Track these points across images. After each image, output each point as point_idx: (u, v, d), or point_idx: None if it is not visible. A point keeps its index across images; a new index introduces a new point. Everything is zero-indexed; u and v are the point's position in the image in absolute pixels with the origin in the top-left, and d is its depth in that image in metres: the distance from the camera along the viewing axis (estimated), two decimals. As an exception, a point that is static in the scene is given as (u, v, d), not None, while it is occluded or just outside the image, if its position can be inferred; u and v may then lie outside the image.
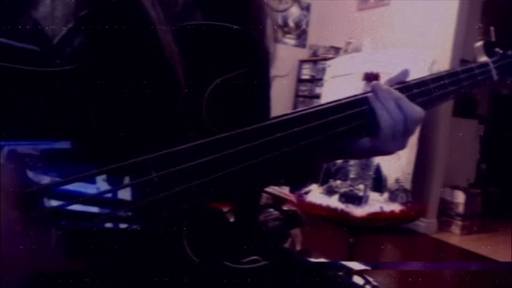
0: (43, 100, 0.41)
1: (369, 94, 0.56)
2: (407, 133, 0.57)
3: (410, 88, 0.60)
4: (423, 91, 0.62)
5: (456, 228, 3.35)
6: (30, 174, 0.38)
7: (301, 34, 4.53)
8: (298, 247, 2.08)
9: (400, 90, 0.58)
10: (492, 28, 0.81)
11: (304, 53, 4.53)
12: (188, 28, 0.47)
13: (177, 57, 0.43)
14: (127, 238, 0.41)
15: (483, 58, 0.76)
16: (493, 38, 0.80)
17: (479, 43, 0.77)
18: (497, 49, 0.77)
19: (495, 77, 0.73)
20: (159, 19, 0.44)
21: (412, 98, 0.59)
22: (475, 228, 3.42)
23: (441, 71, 0.66)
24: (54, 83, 0.41)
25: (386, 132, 0.55)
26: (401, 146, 0.57)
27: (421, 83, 0.62)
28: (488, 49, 0.77)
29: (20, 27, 0.45)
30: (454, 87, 0.66)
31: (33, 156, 0.39)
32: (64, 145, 0.40)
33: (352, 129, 0.54)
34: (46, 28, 0.46)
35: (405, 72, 0.61)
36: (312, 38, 4.55)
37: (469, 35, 3.03)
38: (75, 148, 0.41)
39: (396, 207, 1.96)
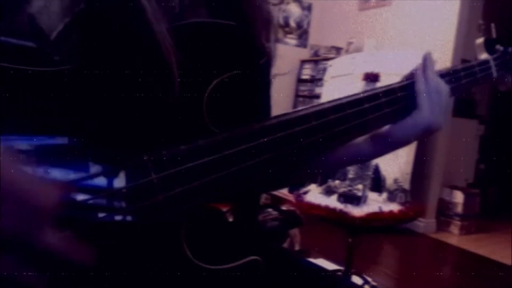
0: (41, 98, 0.41)
1: (417, 67, 0.61)
2: (442, 105, 0.61)
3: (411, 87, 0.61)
4: None
5: (454, 228, 3.35)
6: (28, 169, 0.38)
7: (302, 34, 4.53)
8: (297, 247, 2.09)
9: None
10: (493, 25, 0.80)
11: (305, 53, 4.52)
12: (185, 26, 0.47)
13: (172, 51, 0.43)
14: (126, 238, 0.41)
15: (484, 55, 0.75)
16: (494, 35, 0.79)
17: (480, 40, 0.76)
18: (497, 46, 0.76)
19: (495, 74, 0.73)
20: (154, 14, 0.44)
21: None
22: (474, 228, 3.41)
23: (442, 69, 0.65)
24: (52, 82, 0.41)
25: (423, 100, 0.59)
26: (440, 119, 0.60)
27: None
28: (488, 46, 0.76)
29: (16, 23, 0.45)
30: (454, 85, 0.65)
31: (29, 151, 0.39)
32: (61, 140, 0.41)
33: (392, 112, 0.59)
34: (43, 23, 0.45)
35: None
36: (313, 38, 4.54)
37: (470, 35, 3.02)
38: (73, 144, 0.41)
39: (394, 207, 1.96)
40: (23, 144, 0.39)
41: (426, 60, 0.61)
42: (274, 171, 0.49)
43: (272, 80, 0.60)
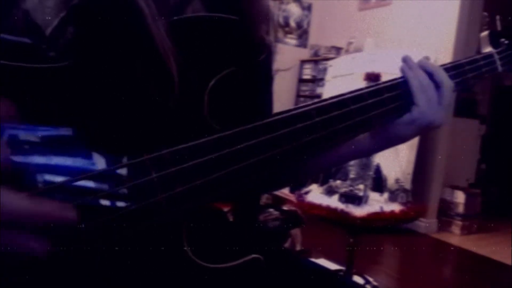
0: (37, 95, 0.40)
1: (402, 65, 0.61)
2: (441, 101, 0.59)
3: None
4: None
5: (456, 228, 3.35)
6: (28, 158, 0.38)
7: (302, 34, 4.53)
8: (298, 247, 2.08)
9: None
10: (498, 17, 0.77)
11: (305, 53, 4.52)
12: (183, 21, 0.47)
13: (169, 49, 0.43)
14: (126, 237, 0.41)
15: (488, 49, 0.73)
16: (499, 28, 0.77)
17: (485, 33, 0.74)
18: (502, 40, 0.74)
19: (500, 69, 0.71)
20: (151, 11, 0.43)
21: None
22: (475, 228, 3.42)
23: (446, 63, 0.64)
24: (48, 79, 0.41)
25: (420, 98, 0.58)
26: (440, 116, 0.59)
27: None
28: (493, 39, 0.74)
29: (11, 18, 0.44)
30: (458, 79, 0.64)
31: (33, 142, 0.38)
32: (65, 131, 0.40)
33: (389, 110, 0.58)
34: (38, 19, 0.44)
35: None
36: (313, 38, 4.54)
37: (470, 34, 3.02)
38: (75, 135, 0.40)
39: (396, 207, 1.96)
40: (28, 135, 0.38)
41: (407, 60, 0.61)
42: (276, 169, 0.48)
43: (274, 75, 0.60)
